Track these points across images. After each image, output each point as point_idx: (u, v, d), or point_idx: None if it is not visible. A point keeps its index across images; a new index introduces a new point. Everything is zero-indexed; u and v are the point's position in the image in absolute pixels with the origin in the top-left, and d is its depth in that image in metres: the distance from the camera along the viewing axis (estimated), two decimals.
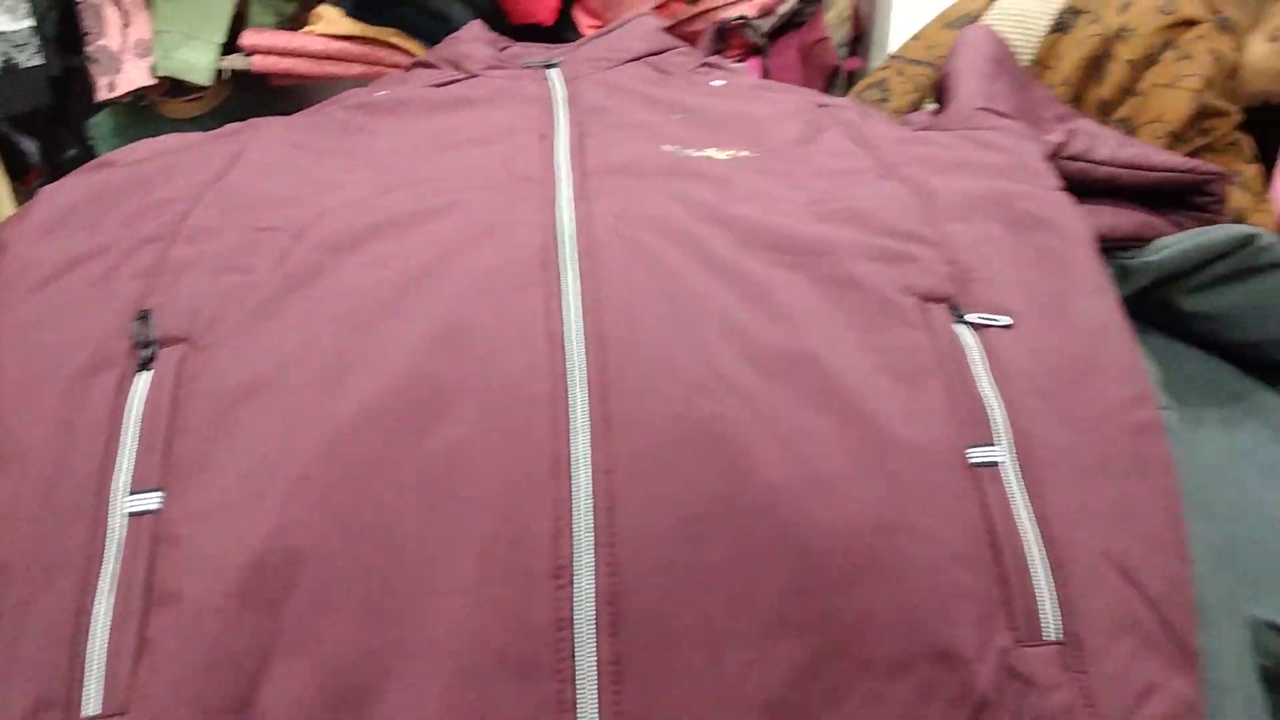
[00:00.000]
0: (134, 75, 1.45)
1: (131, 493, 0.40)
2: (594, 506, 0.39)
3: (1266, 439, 0.60)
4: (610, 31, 0.80)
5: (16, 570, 0.39)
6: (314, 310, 0.45)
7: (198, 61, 1.44)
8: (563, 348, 0.43)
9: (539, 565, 0.38)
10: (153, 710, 0.36)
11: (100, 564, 0.39)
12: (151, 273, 0.47)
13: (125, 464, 0.41)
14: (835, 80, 1.40)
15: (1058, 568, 0.41)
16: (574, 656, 0.37)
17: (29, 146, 1.52)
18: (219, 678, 0.37)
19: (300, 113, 0.71)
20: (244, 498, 0.39)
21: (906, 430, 0.42)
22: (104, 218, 0.51)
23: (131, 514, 0.40)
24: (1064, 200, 0.55)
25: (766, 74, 1.21)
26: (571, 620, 0.38)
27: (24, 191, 1.53)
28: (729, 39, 1.21)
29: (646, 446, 0.41)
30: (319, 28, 1.42)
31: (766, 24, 1.32)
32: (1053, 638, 0.40)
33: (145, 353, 0.44)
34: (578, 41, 0.79)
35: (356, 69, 1.43)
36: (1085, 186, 0.61)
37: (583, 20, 1.44)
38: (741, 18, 1.19)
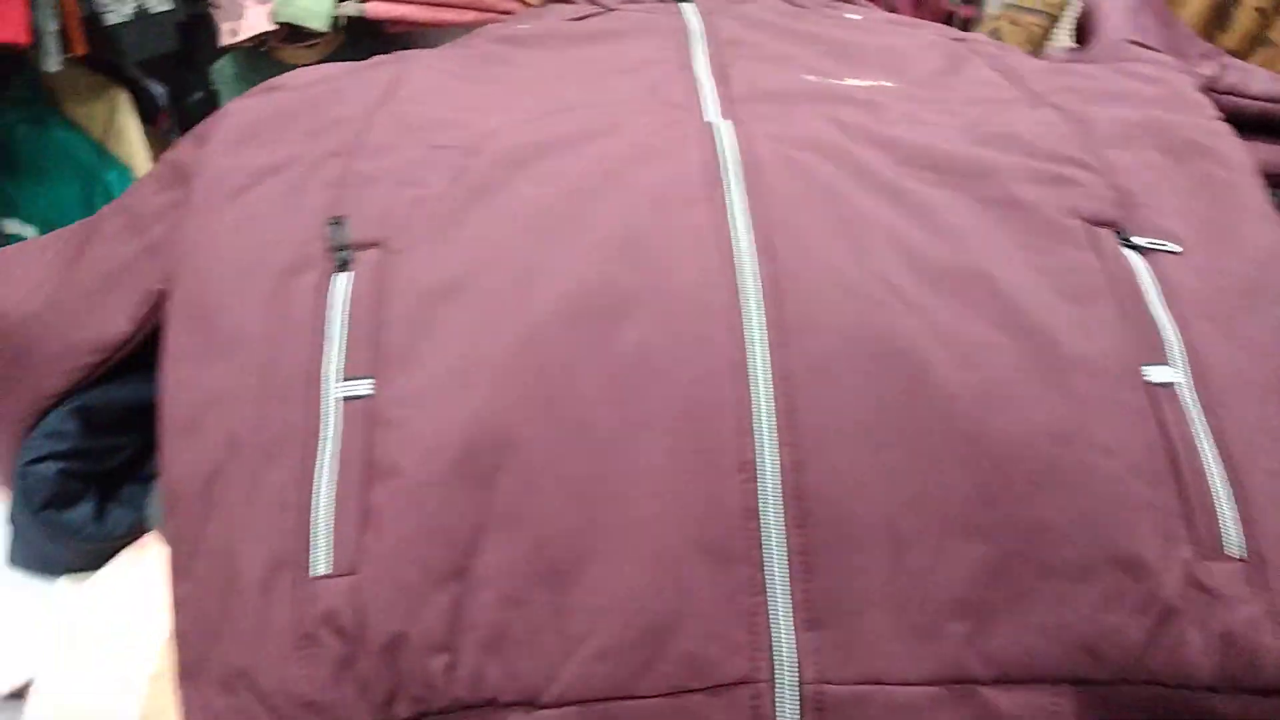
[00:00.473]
0: (255, 21, 1.49)
1: (345, 379, 0.43)
2: (774, 409, 0.41)
3: None
4: None
5: (245, 442, 0.43)
6: (497, 220, 0.47)
7: (316, 7, 1.48)
8: (733, 260, 0.45)
9: (725, 460, 0.41)
10: (380, 570, 0.40)
11: (318, 441, 0.42)
12: (338, 184, 0.50)
13: (335, 354, 0.44)
14: (948, 25, 1.39)
15: (1237, 486, 0.42)
16: (762, 545, 0.40)
17: (158, 90, 1.58)
18: (439, 545, 0.40)
19: (444, 45, 0.73)
20: (452, 386, 0.42)
21: (1082, 346, 0.43)
22: (286, 133, 0.54)
23: (345, 398, 0.43)
24: (1225, 129, 0.54)
25: (891, 9, 1.19)
26: (758, 511, 0.40)
27: (153, 134, 1.60)
28: None
29: (822, 354, 0.42)
30: None
31: None
32: (1236, 554, 0.41)
33: (341, 255, 0.47)
34: None
35: (469, 15, 1.45)
36: (1236, 122, 0.60)
37: None
38: None
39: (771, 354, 0.43)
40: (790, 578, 0.39)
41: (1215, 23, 0.96)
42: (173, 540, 0.45)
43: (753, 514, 0.40)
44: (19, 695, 0.58)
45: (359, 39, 1.65)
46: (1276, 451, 0.43)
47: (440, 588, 0.40)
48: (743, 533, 0.40)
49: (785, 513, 0.40)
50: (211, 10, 1.50)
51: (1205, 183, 0.51)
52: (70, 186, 1.57)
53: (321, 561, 0.40)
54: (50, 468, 0.59)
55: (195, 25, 1.55)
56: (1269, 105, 0.62)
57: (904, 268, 0.45)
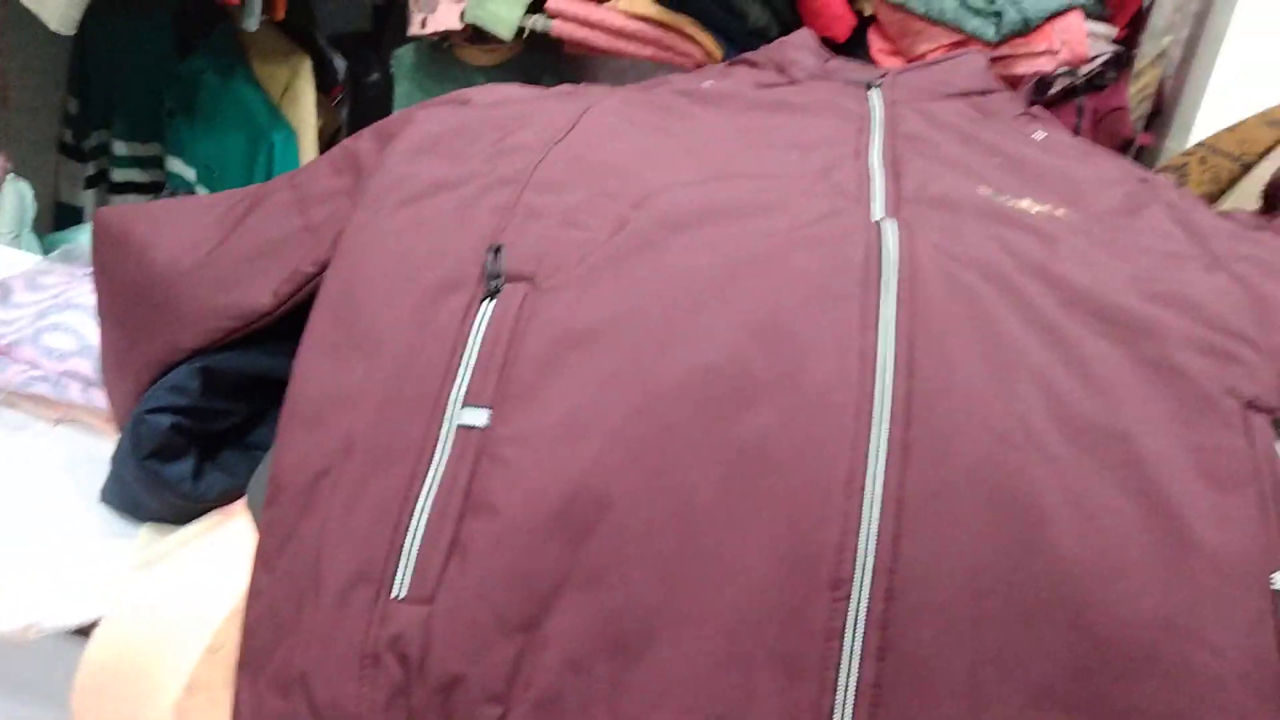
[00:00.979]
0: (445, 17, 1.54)
1: (465, 405, 0.44)
2: (879, 530, 0.40)
3: None
4: (936, 63, 0.80)
5: (360, 448, 0.43)
6: (646, 279, 0.47)
7: (505, 16, 1.53)
8: (874, 367, 0.44)
9: (820, 572, 0.39)
10: (455, 604, 0.40)
11: (430, 462, 0.43)
12: (505, 210, 0.51)
13: (463, 378, 0.44)
14: (1126, 153, 1.35)
15: None
16: (838, 668, 0.38)
17: (339, 64, 1.65)
18: (517, 592, 0.40)
19: (629, 88, 0.74)
20: (566, 434, 0.42)
21: (1213, 535, 0.41)
22: (467, 150, 0.56)
23: (461, 425, 0.43)
24: None
25: (1078, 132, 1.17)
26: (841, 633, 0.39)
27: (325, 103, 1.67)
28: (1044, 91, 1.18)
29: (942, 484, 0.41)
30: (622, 4, 1.47)
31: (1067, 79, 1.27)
32: None
33: (495, 283, 0.47)
34: (901, 67, 0.79)
35: (648, 51, 1.47)
36: None
37: (875, 42, 1.44)
38: (1070, 72, 1.16)
39: (889, 473, 0.41)
40: (856, 708, 0.38)
41: None
42: (266, 527, 0.45)
43: (835, 635, 0.39)
44: (84, 633, 0.60)
45: (537, 51, 1.70)
46: None
47: (508, 637, 0.40)
48: (821, 652, 0.39)
49: (867, 641, 0.39)
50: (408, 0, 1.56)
51: None
52: (238, 138, 1.64)
53: (403, 583, 0.41)
54: (165, 419, 0.62)
55: (387, 10, 1.61)
56: None
57: (1046, 414, 0.44)
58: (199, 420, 0.65)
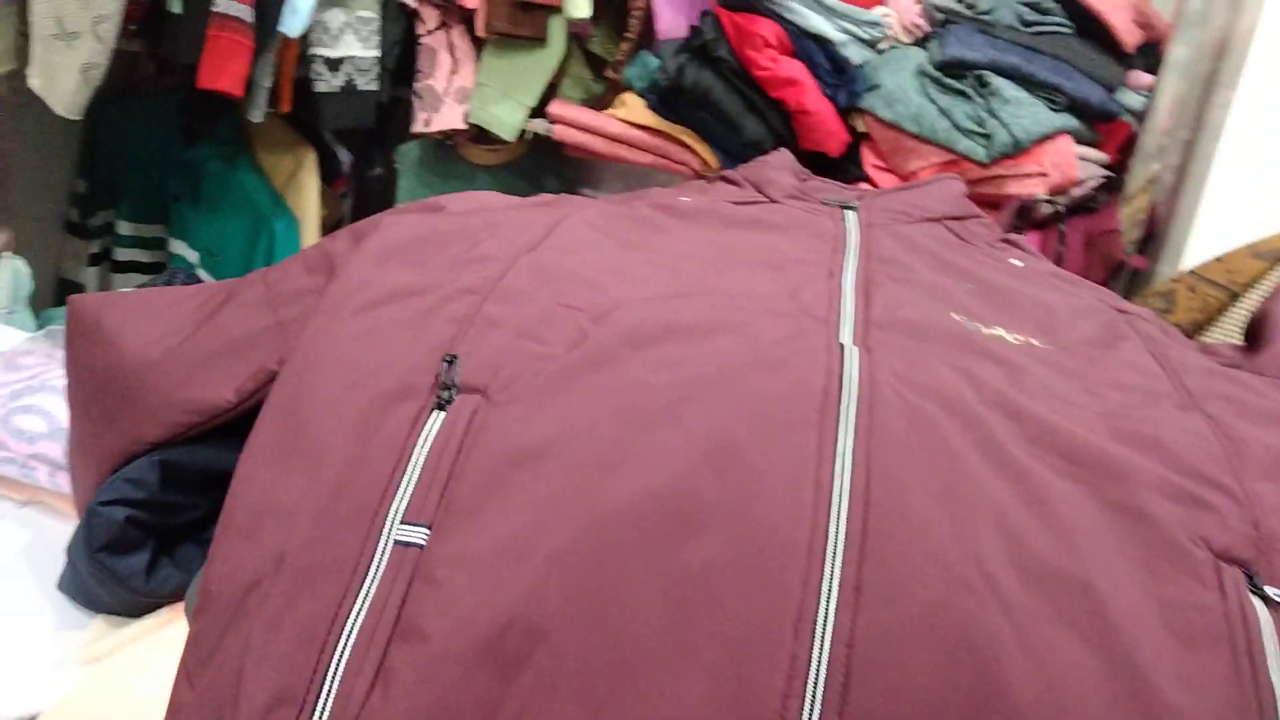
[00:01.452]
0: (449, 117, 1.58)
1: (403, 522, 0.42)
2: (828, 675, 0.38)
3: None
4: (913, 187, 0.80)
5: (289, 564, 0.42)
6: (600, 395, 0.46)
7: (507, 118, 1.56)
8: (829, 499, 0.43)
9: (763, 717, 0.37)
10: None
11: (362, 581, 0.41)
12: (463, 321, 0.50)
13: (405, 492, 0.43)
14: (1117, 275, 1.36)
15: None
16: None
17: (344, 157, 1.68)
18: None
19: (608, 199, 0.75)
20: (503, 557, 0.41)
21: (1179, 697, 0.39)
22: (432, 259, 0.55)
23: (398, 542, 0.42)
24: None
25: (1059, 259, 1.17)
26: None
27: (329, 195, 1.69)
28: (1028, 215, 1.19)
29: (894, 626, 0.39)
30: (620, 113, 1.50)
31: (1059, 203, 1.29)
32: None
33: (445, 394, 0.46)
34: (878, 190, 0.80)
35: (646, 158, 1.50)
36: None
37: (868, 158, 1.46)
38: (1050, 200, 1.17)
39: (839, 613, 0.40)
40: None
41: None
42: (192, 639, 0.44)
43: None
44: None
45: (540, 152, 1.73)
46: None
47: None
48: None
49: None
50: (413, 98, 1.59)
51: None
52: (240, 224, 1.66)
53: (324, 711, 0.39)
54: (119, 512, 0.61)
55: (393, 106, 1.65)
56: None
57: (1004, 556, 0.42)
58: (156, 514, 0.64)
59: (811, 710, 0.38)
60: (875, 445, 0.45)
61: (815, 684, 0.38)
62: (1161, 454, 0.48)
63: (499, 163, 1.73)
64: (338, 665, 0.39)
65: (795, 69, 1.37)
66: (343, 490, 0.44)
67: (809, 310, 0.57)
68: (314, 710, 0.38)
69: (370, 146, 1.79)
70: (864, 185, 1.41)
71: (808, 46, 1.38)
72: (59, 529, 0.77)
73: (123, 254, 1.86)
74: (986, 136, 1.32)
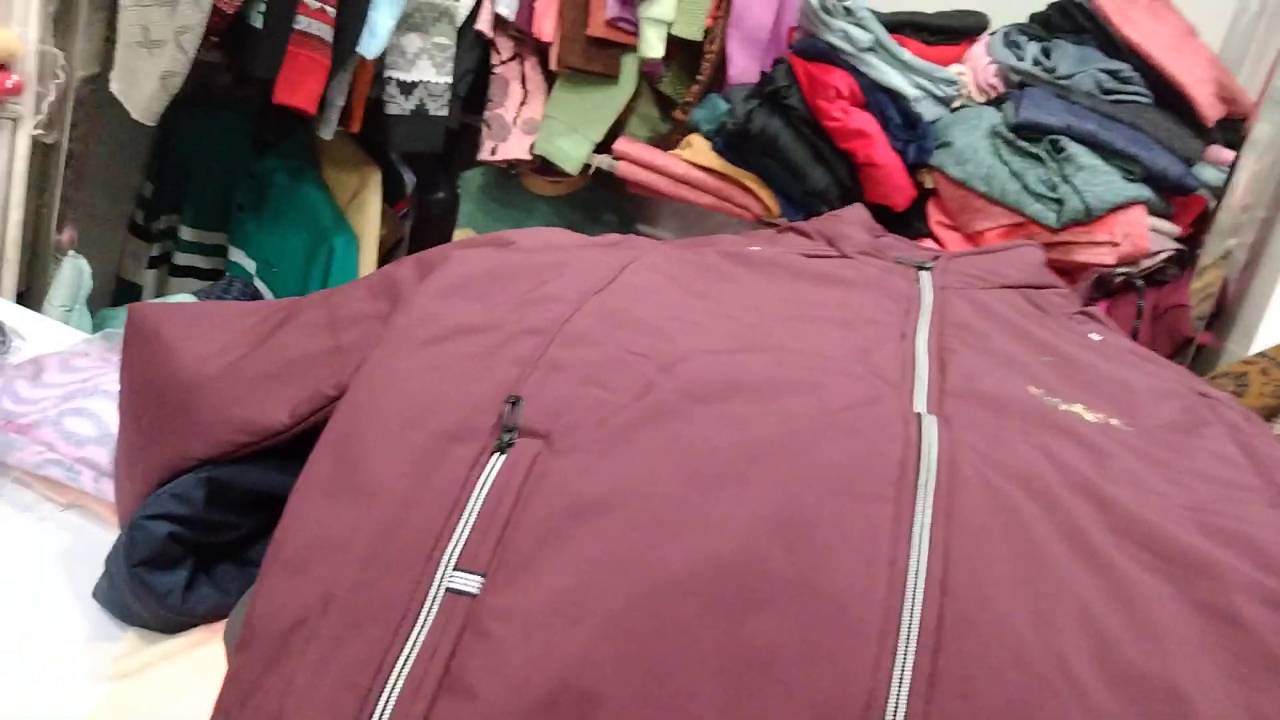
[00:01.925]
0: (515, 147, 1.58)
1: (456, 568, 0.41)
2: None
3: None
4: (991, 251, 0.78)
5: (337, 605, 0.40)
6: (665, 451, 0.45)
7: (573, 152, 1.56)
8: (904, 580, 0.40)
9: None
10: None
11: (411, 628, 0.39)
12: (528, 363, 0.49)
13: (460, 537, 0.42)
14: (1184, 351, 1.32)
15: None
16: None
17: (409, 179, 1.69)
18: None
19: (675, 243, 0.73)
20: (559, 618, 0.39)
21: None
22: (498, 295, 0.54)
23: (450, 589, 0.40)
24: None
25: (1135, 333, 1.14)
26: None
27: (390, 215, 1.70)
28: (1104, 287, 1.17)
29: None
30: (686, 154, 1.50)
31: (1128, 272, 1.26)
32: None
33: (507, 437, 0.45)
34: (954, 252, 0.78)
35: (707, 199, 1.49)
36: None
37: (934, 215, 1.44)
38: (1127, 273, 1.14)
39: (910, 704, 0.37)
40: None
41: None
42: (231, 676, 0.42)
43: None
44: None
45: (601, 187, 1.73)
46: None
47: None
48: None
49: None
50: (481, 125, 1.60)
51: None
52: (301, 238, 1.68)
53: None
54: (162, 527, 0.60)
55: (460, 132, 1.66)
56: None
57: (1088, 657, 0.39)
58: (199, 531, 0.63)
59: None
60: (954, 526, 0.43)
61: None
62: (1253, 554, 0.46)
63: (559, 194, 1.73)
64: (381, 716, 0.38)
65: (866, 121, 1.36)
66: (396, 531, 0.42)
67: (881, 374, 0.55)
68: None
69: (435, 170, 1.80)
70: (928, 242, 1.39)
71: (880, 100, 1.37)
72: (99, 535, 0.76)
73: (182, 259, 1.89)
74: (1058, 202, 1.30)
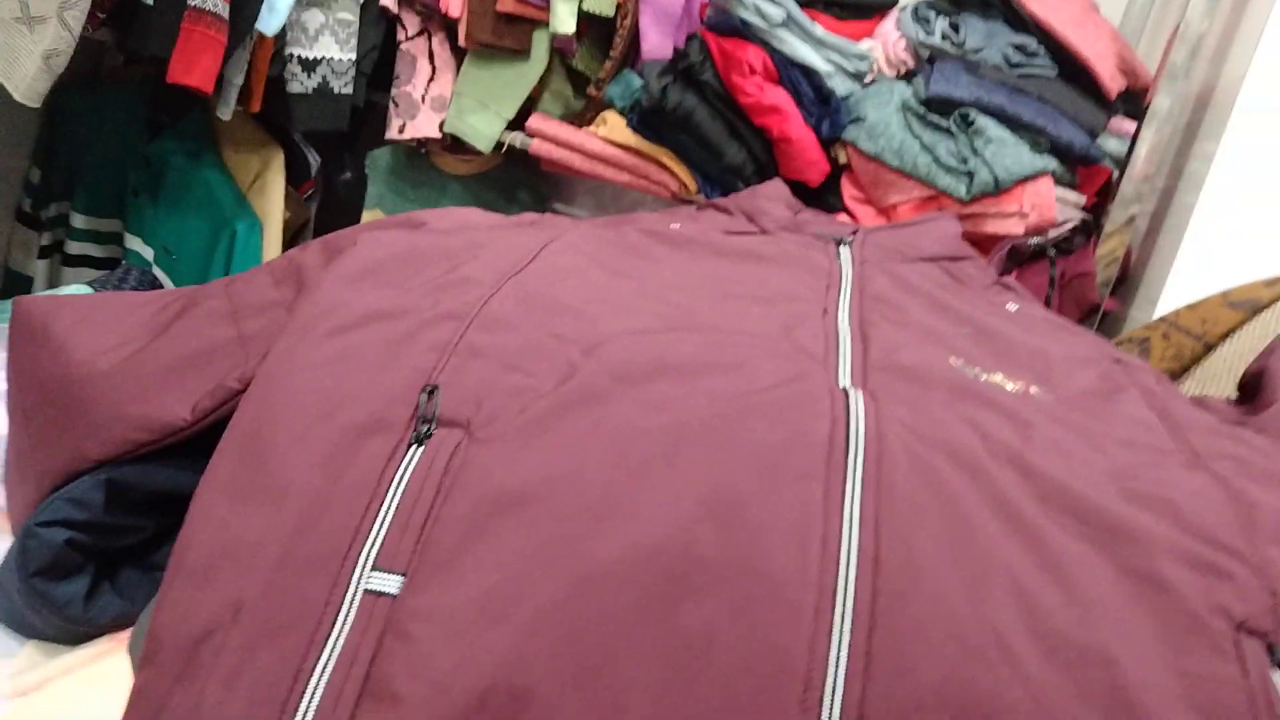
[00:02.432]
0: (425, 125, 1.54)
1: (374, 568, 0.39)
2: None
3: None
4: (908, 225, 0.78)
5: (248, 613, 0.38)
6: (590, 436, 0.43)
7: (484, 129, 1.53)
8: (837, 558, 0.40)
9: None
10: None
11: (329, 634, 0.37)
12: (444, 349, 0.47)
13: (377, 536, 0.39)
14: (1090, 318, 1.35)
15: None
16: None
17: (313, 160, 1.63)
18: None
19: (594, 221, 0.72)
20: (485, 615, 0.37)
21: None
22: (411, 280, 0.52)
23: (368, 590, 0.38)
24: None
25: (1048, 302, 1.16)
26: None
27: (294, 197, 1.64)
28: (1017, 257, 1.18)
29: (907, 700, 0.36)
30: (601, 130, 1.47)
31: (1034, 242, 1.28)
32: None
33: (425, 428, 0.43)
34: (872, 226, 0.78)
35: (624, 177, 1.47)
36: None
37: (848, 190, 1.45)
38: (1039, 243, 1.16)
39: (848, 684, 0.37)
40: None
41: None
42: (136, 693, 0.40)
43: None
44: None
45: (515, 166, 1.70)
46: None
47: None
48: None
49: None
50: (389, 104, 1.55)
51: None
52: (201, 223, 1.61)
53: None
54: (59, 534, 0.56)
55: (366, 111, 1.61)
56: None
57: (1021, 625, 0.39)
58: (99, 536, 0.59)
59: None
60: (884, 501, 0.42)
61: None
62: (1175, 517, 0.46)
63: (471, 173, 1.69)
64: None
65: (780, 97, 1.35)
66: (308, 531, 0.40)
67: (805, 350, 0.55)
68: None
69: (341, 150, 1.74)
70: (843, 217, 1.39)
71: (793, 75, 1.37)
72: None
73: (75, 247, 1.79)
74: (968, 174, 1.31)
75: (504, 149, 1.56)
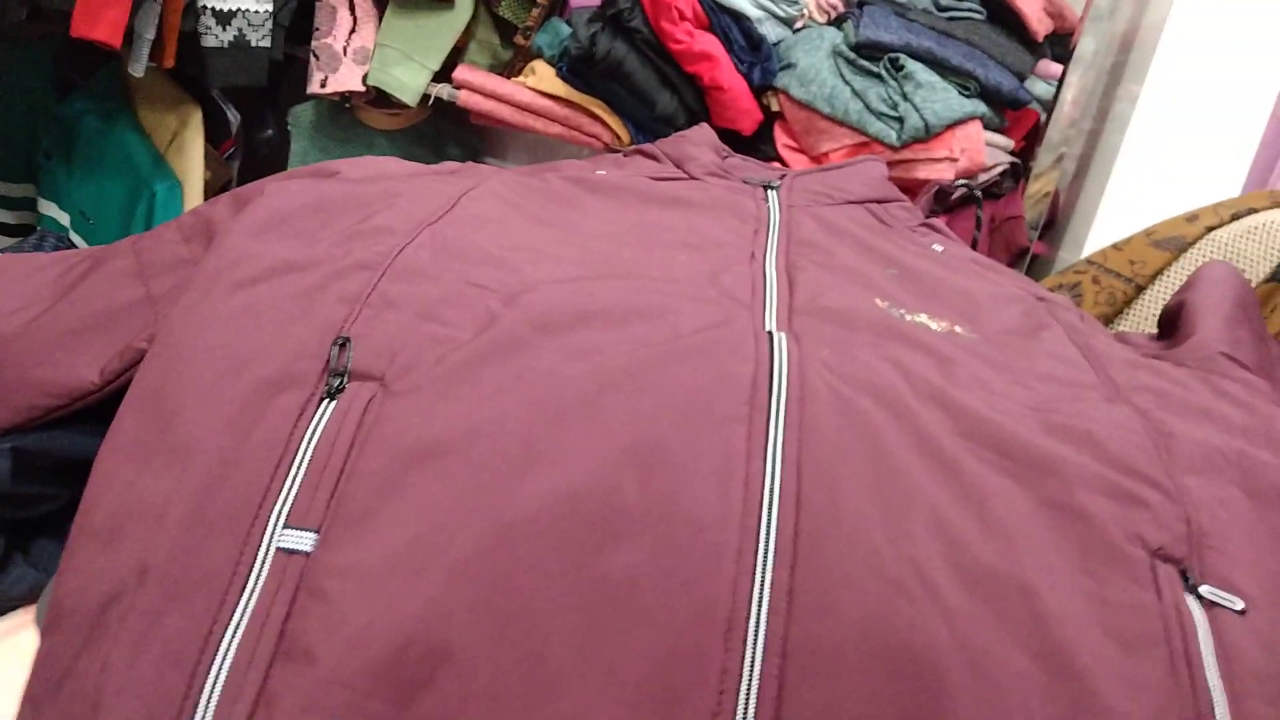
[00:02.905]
0: (347, 78, 1.50)
1: (286, 526, 0.38)
2: (760, 689, 0.35)
3: None
4: (835, 168, 0.78)
5: (154, 575, 0.37)
6: (510, 386, 0.42)
7: (410, 82, 1.49)
8: (760, 500, 0.39)
9: None
10: None
11: (240, 594, 0.36)
12: (356, 300, 0.45)
13: (289, 493, 0.38)
14: (1020, 261, 1.37)
15: None
16: None
17: (233, 117, 1.58)
18: None
19: (518, 170, 0.70)
20: (402, 569, 0.36)
21: (1123, 702, 0.37)
22: (321, 230, 0.50)
23: (281, 549, 0.37)
24: None
25: (975, 244, 1.17)
26: None
27: (214, 156, 1.59)
28: (944, 200, 1.19)
29: (829, 638, 0.36)
30: (530, 81, 1.45)
31: (963, 187, 1.29)
32: None
33: (337, 381, 0.42)
34: (800, 170, 0.78)
35: (555, 129, 1.45)
36: None
37: (781, 138, 1.44)
38: (968, 184, 1.17)
39: (771, 622, 0.37)
40: None
41: None
42: (40, 661, 0.38)
43: None
44: None
45: (443, 119, 1.66)
46: None
47: None
48: None
49: None
50: (309, 56, 1.50)
51: None
52: (117, 186, 1.55)
53: None
54: None
55: (287, 65, 1.56)
56: None
57: (941, 560, 0.40)
58: (8, 507, 0.57)
59: None
60: (807, 441, 0.42)
61: (747, 699, 0.35)
62: (1094, 449, 0.47)
63: (399, 128, 1.65)
64: (212, 691, 0.34)
65: (710, 44, 1.34)
66: (216, 490, 0.38)
67: (732, 295, 0.54)
68: None
69: (261, 106, 1.69)
70: (775, 165, 1.39)
71: (724, 22, 1.35)
72: None
73: None
74: (898, 120, 1.31)
75: (431, 102, 1.52)
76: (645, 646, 0.36)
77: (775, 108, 1.42)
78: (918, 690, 0.36)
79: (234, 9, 1.39)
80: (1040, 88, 1.41)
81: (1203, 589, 0.42)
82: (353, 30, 1.50)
